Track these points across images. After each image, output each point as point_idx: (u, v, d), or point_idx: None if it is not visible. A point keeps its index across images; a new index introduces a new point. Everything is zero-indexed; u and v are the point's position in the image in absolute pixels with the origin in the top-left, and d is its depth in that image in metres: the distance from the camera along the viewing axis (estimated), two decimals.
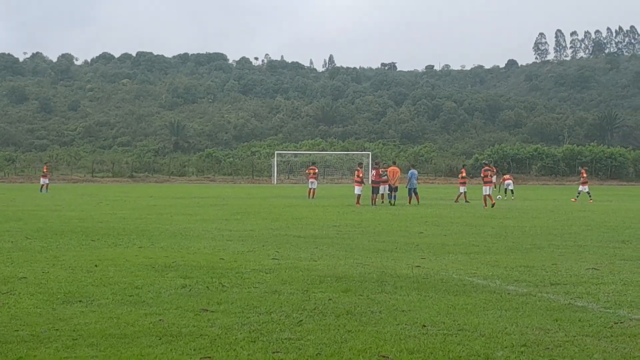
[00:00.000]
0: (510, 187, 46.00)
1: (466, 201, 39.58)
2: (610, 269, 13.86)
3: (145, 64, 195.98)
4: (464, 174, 42.23)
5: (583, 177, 45.20)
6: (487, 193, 36.25)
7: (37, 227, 21.96)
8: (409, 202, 37.39)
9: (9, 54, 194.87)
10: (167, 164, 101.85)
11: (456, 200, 40.25)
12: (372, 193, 37.11)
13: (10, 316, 9.24)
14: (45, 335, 8.24)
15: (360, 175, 38.32)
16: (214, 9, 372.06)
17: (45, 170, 54.56)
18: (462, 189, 40.96)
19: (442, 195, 47.81)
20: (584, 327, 8.90)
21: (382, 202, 37.78)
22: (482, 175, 37.78)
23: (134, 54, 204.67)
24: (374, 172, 37.85)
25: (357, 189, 37.31)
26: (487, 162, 46.39)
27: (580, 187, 44.93)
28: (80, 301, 10.18)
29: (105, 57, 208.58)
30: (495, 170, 54.18)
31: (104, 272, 12.77)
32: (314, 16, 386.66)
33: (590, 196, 43.95)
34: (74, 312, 9.46)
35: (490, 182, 37.76)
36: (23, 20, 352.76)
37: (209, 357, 7.45)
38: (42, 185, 51.98)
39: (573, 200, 43.00)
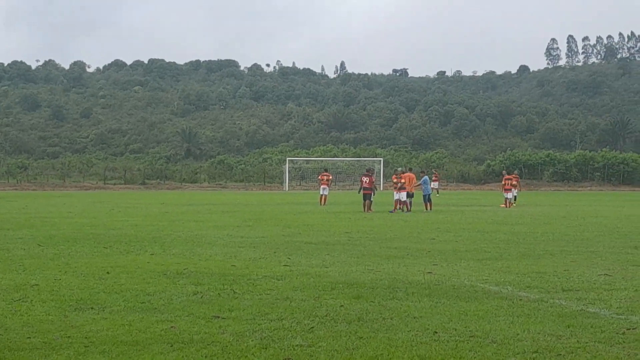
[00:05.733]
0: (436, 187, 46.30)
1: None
2: (623, 275, 13.82)
3: (157, 71, 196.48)
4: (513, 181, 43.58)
5: (516, 181, 44.67)
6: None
7: (50, 234, 22.04)
8: (426, 209, 37.03)
9: (21, 62, 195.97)
10: (179, 170, 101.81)
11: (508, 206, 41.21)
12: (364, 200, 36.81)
13: (23, 323, 9.28)
14: (57, 343, 8.28)
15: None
16: (228, 16, 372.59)
17: None
18: (508, 194, 42.34)
19: (454, 202, 47.70)
20: (596, 333, 8.88)
21: (398, 208, 36.81)
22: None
23: (145, 61, 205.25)
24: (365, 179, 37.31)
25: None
26: (435, 167, 49.56)
27: (511, 192, 44.30)
28: (92, 308, 10.23)
29: (117, 64, 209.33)
30: (438, 176, 62.32)
31: (116, 279, 12.81)
32: (324, 24, 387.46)
33: (515, 200, 43.79)
34: (86, 319, 9.50)
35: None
36: (35, 29, 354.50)
37: None
38: None
39: (513, 205, 42.31)
